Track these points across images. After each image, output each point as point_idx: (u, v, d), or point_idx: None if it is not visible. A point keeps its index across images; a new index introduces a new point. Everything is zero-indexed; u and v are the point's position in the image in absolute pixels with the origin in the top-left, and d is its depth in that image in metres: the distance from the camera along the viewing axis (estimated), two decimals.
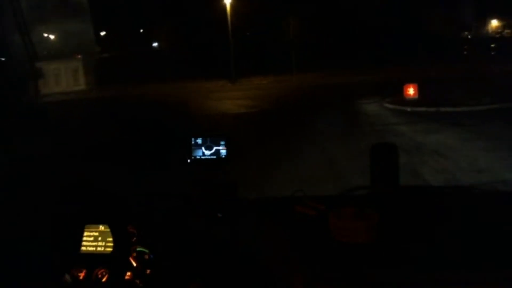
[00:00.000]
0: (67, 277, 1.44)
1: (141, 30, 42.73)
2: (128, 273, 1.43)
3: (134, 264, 1.44)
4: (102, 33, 55.72)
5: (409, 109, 12.76)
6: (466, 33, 52.32)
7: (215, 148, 1.78)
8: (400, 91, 14.68)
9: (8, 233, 1.61)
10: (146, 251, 1.48)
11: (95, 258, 1.50)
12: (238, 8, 30.67)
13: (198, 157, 1.79)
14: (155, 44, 43.56)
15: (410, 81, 15.64)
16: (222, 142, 1.78)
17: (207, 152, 1.78)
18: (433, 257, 1.27)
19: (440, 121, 10.76)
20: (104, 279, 1.44)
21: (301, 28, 28.55)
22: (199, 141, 1.79)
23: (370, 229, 1.37)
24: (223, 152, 1.78)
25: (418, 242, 1.36)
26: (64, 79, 30.71)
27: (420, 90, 14.40)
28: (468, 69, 23.97)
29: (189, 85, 28.66)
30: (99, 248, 1.53)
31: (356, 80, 23.79)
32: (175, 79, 30.90)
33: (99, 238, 1.54)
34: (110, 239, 1.51)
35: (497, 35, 52.90)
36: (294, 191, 1.78)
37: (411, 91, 14.42)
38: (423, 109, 12.47)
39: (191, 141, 1.81)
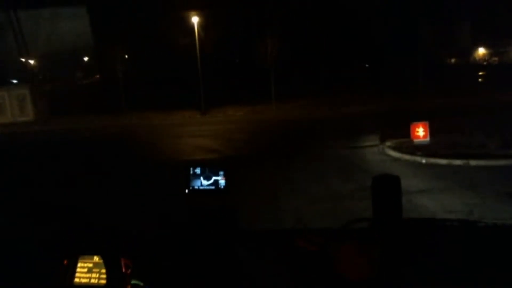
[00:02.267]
0: None
1: (126, 56, 39.69)
2: None
3: None
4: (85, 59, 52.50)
5: (423, 160, 9.06)
6: (453, 60, 51.06)
7: (213, 178, 1.73)
8: (404, 127, 11.17)
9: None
10: (141, 284, 1.46)
11: None
12: (210, 30, 27.27)
13: (196, 187, 1.74)
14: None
15: (411, 111, 12.32)
16: (221, 172, 1.73)
17: (206, 183, 1.73)
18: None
19: (478, 187, 7.05)
20: None
21: (281, 51, 25.09)
22: (198, 171, 1.75)
23: (371, 264, 1.34)
24: (222, 182, 1.72)
25: (420, 277, 1.35)
26: (8, 108, 26.55)
27: (430, 129, 10.88)
28: (473, 98, 21.04)
29: (151, 116, 24.83)
30: (92, 280, 1.49)
31: (346, 111, 20.28)
32: (140, 109, 27.12)
33: (93, 270, 1.50)
34: (104, 271, 1.47)
35: (485, 63, 51.77)
36: (295, 224, 1.98)
37: (420, 132, 10.82)
38: (444, 161, 8.77)
39: (189, 171, 1.75)
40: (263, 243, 1.64)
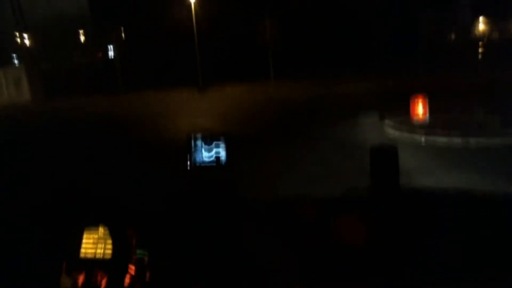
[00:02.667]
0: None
1: (123, 36, 38.95)
2: (128, 278, 1.39)
3: (134, 269, 1.42)
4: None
5: (423, 139, 9.00)
6: (453, 36, 50.21)
7: (215, 147, 1.70)
8: (403, 104, 11.05)
9: (8, 233, 1.67)
10: (146, 254, 1.45)
11: (94, 262, 1.46)
12: (208, 9, 26.77)
13: (198, 163, 1.71)
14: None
15: (410, 90, 12.20)
16: (222, 139, 1.71)
17: (207, 156, 1.70)
18: (433, 262, 1.26)
19: (478, 166, 7.00)
20: (103, 284, 1.41)
21: (280, 30, 24.70)
22: (199, 142, 1.71)
23: (369, 232, 1.35)
24: (223, 157, 1.69)
25: (418, 246, 1.34)
26: (4, 89, 26.27)
27: (430, 108, 10.75)
28: (473, 77, 20.78)
29: (149, 95, 24.60)
30: (98, 254, 1.48)
31: (345, 89, 20.08)
32: (137, 88, 26.91)
33: (99, 242, 1.49)
34: (110, 243, 1.47)
35: (485, 40, 50.97)
36: (296, 193, 1.79)
37: (420, 110, 10.69)
38: (443, 139, 8.71)
39: (191, 140, 1.71)
40: (263, 212, 1.63)
